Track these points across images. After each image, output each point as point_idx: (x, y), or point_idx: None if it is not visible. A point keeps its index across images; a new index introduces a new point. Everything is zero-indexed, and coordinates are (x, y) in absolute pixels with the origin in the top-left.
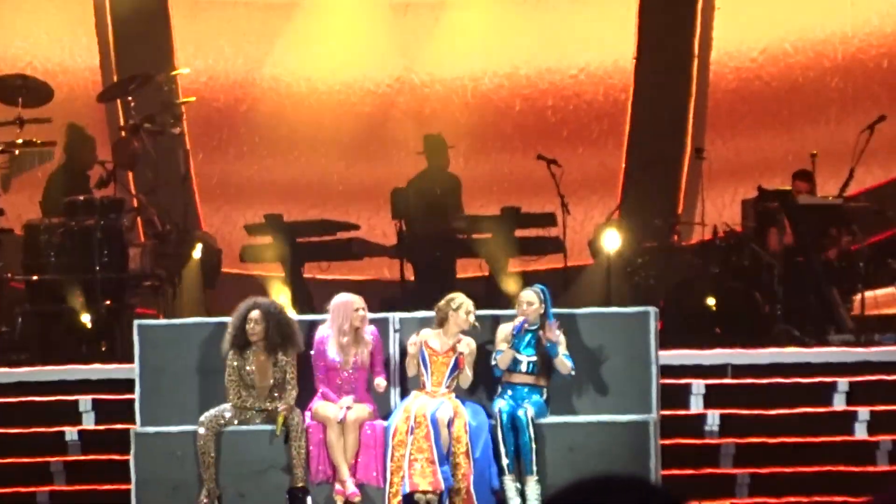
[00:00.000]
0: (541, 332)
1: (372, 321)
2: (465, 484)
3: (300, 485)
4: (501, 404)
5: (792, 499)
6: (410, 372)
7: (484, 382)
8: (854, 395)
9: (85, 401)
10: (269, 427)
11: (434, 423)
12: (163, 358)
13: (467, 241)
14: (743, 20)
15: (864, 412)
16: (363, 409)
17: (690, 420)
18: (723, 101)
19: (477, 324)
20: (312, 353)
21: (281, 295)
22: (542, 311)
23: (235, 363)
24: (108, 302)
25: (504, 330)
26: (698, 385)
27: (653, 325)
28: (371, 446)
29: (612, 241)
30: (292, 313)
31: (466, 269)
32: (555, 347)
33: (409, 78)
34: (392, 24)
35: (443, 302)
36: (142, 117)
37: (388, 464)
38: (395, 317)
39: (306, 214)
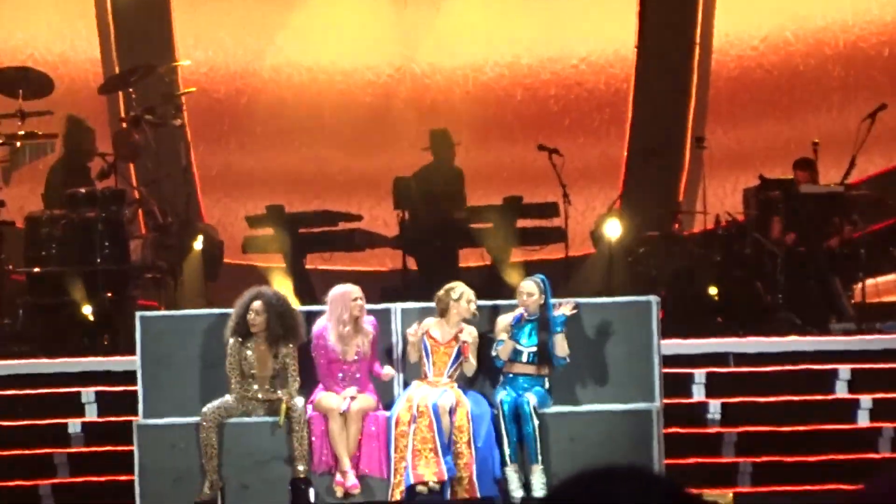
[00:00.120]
0: (557, 303)
1: (374, 312)
2: (467, 473)
3: (303, 476)
4: (503, 394)
5: (794, 487)
6: (412, 359)
7: (485, 372)
8: (856, 383)
9: (87, 393)
10: (271, 419)
11: (436, 411)
12: (165, 349)
13: (469, 231)
14: (744, 8)
15: (865, 400)
16: (366, 400)
17: (692, 409)
18: (724, 89)
19: (476, 312)
20: (312, 346)
21: (283, 286)
22: (541, 301)
23: (236, 351)
24: (109, 294)
25: (504, 320)
26: (700, 374)
27: (654, 315)
28: (374, 437)
29: (614, 230)
30: (296, 304)
31: (468, 258)
32: (562, 323)
33: (409, 68)
34: (393, 14)
35: (442, 292)
36: (143, 109)
37: (392, 454)
38: (397, 307)
39: (308, 205)
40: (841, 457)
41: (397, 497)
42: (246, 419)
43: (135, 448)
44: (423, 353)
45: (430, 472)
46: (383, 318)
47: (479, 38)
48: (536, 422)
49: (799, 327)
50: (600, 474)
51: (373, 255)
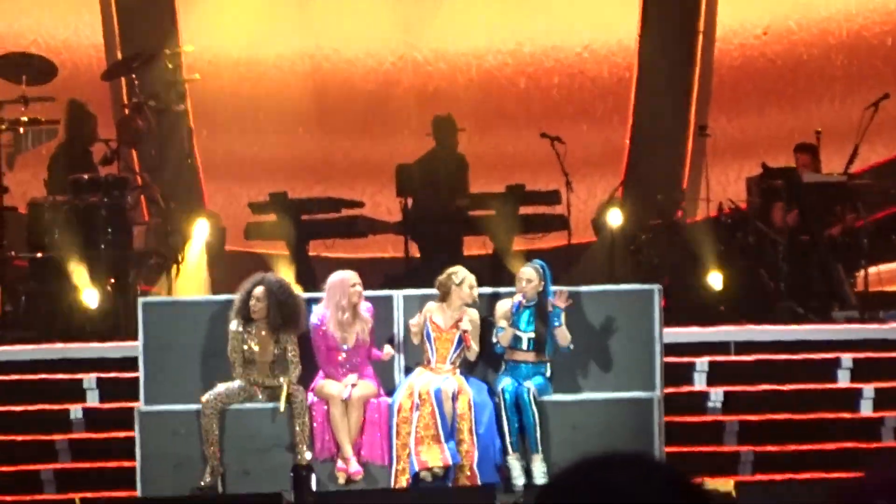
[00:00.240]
0: (550, 300)
1: (375, 299)
2: (468, 461)
3: (305, 462)
4: (505, 383)
5: (796, 476)
6: (416, 341)
7: (486, 359)
8: (858, 372)
9: (89, 379)
10: (272, 405)
11: (438, 398)
12: (167, 336)
13: (471, 219)
14: None
15: (868, 389)
16: (367, 387)
17: (694, 397)
18: (727, 78)
19: (477, 297)
20: (311, 333)
21: (287, 274)
22: (541, 287)
23: (238, 336)
24: (112, 280)
25: (503, 307)
26: (702, 362)
27: (657, 303)
28: (376, 424)
29: (616, 218)
30: (299, 291)
31: (470, 246)
32: (559, 316)
33: (412, 56)
34: (396, 2)
35: (443, 276)
36: (146, 95)
37: (394, 441)
38: (399, 294)
39: (310, 192)
40: (843, 446)
41: (403, 484)
42: (247, 405)
43: (136, 434)
44: (426, 340)
45: (434, 458)
46: (385, 305)
47: (481, 26)
48: (536, 411)
49: (801, 316)
50: (601, 461)
51: (375, 241)
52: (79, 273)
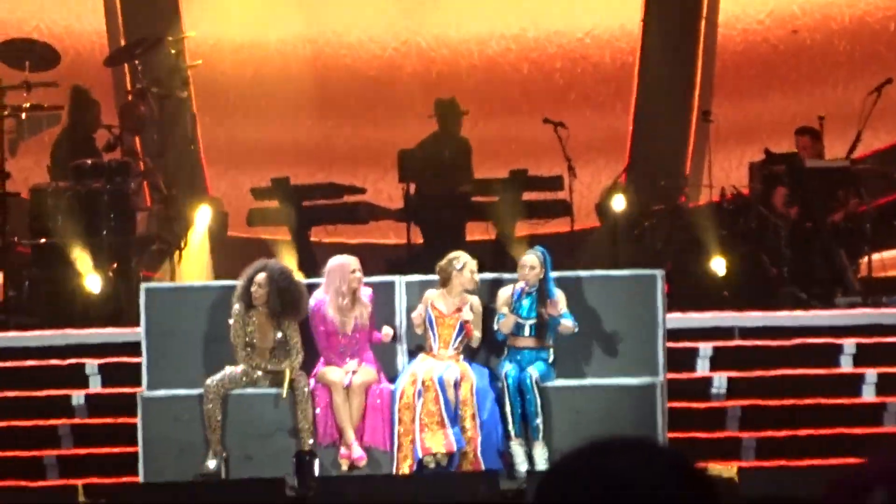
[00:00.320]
0: (542, 309)
1: (378, 285)
2: (471, 447)
3: (307, 448)
4: (508, 368)
5: (799, 461)
6: (419, 331)
7: (489, 345)
8: (861, 357)
9: (91, 364)
10: (274, 390)
11: (441, 384)
12: (169, 321)
13: (474, 204)
14: None
15: (871, 374)
16: (369, 373)
17: (697, 383)
18: (730, 63)
19: (478, 282)
20: (310, 318)
21: (288, 259)
22: (542, 274)
23: (241, 320)
24: (114, 266)
25: (504, 294)
26: (705, 348)
27: (660, 288)
28: (378, 409)
29: (619, 203)
30: (301, 279)
31: (473, 232)
32: (558, 322)
33: (415, 41)
34: None
35: (444, 261)
36: (148, 81)
37: (396, 427)
38: (401, 280)
39: (313, 178)
40: (846, 431)
41: (405, 471)
42: (250, 391)
43: (139, 420)
44: (429, 327)
45: (438, 444)
46: (387, 291)
47: (484, 12)
48: (538, 397)
49: (804, 301)
50: (603, 446)
51: (377, 227)
52: (81, 259)
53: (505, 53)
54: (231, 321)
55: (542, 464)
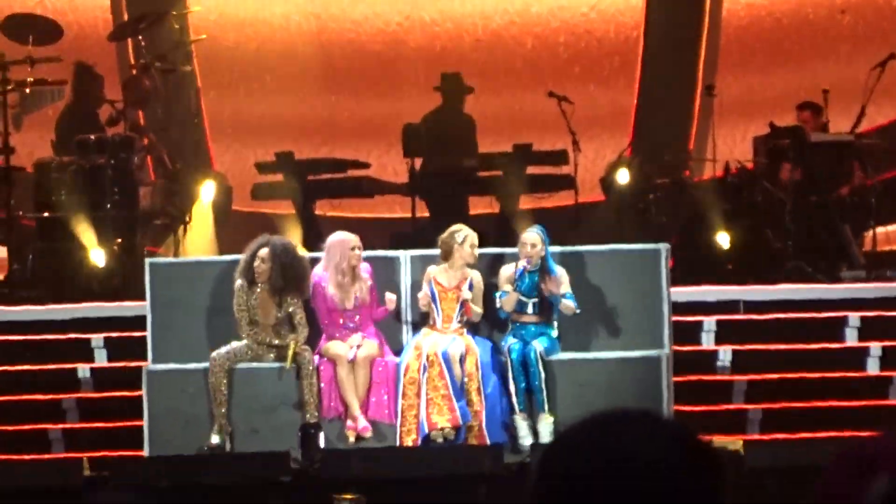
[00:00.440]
0: (543, 285)
1: (382, 259)
2: (476, 421)
3: (312, 421)
4: (512, 342)
5: (804, 435)
6: (426, 309)
7: (492, 319)
8: (866, 331)
9: (97, 338)
10: (280, 364)
11: (446, 359)
12: (174, 296)
13: (479, 178)
14: None
15: (875, 347)
16: (372, 346)
17: (702, 356)
18: (734, 37)
19: (477, 256)
20: (311, 295)
21: (292, 233)
22: (543, 253)
23: (243, 296)
24: (118, 240)
25: (506, 272)
26: (710, 322)
27: (664, 262)
28: (382, 383)
29: (624, 178)
30: (304, 255)
31: (477, 206)
32: (559, 300)
33: (419, 16)
34: None
35: (446, 234)
36: (152, 56)
37: (400, 401)
38: (406, 254)
39: (317, 152)
40: (851, 404)
41: (408, 445)
42: (255, 364)
43: (144, 393)
44: (431, 301)
45: (445, 418)
46: (392, 265)
47: None
48: (543, 370)
49: (809, 275)
50: (606, 419)
51: (382, 201)
52: (86, 233)
53: (509, 28)
54: (234, 297)
55: (546, 437)
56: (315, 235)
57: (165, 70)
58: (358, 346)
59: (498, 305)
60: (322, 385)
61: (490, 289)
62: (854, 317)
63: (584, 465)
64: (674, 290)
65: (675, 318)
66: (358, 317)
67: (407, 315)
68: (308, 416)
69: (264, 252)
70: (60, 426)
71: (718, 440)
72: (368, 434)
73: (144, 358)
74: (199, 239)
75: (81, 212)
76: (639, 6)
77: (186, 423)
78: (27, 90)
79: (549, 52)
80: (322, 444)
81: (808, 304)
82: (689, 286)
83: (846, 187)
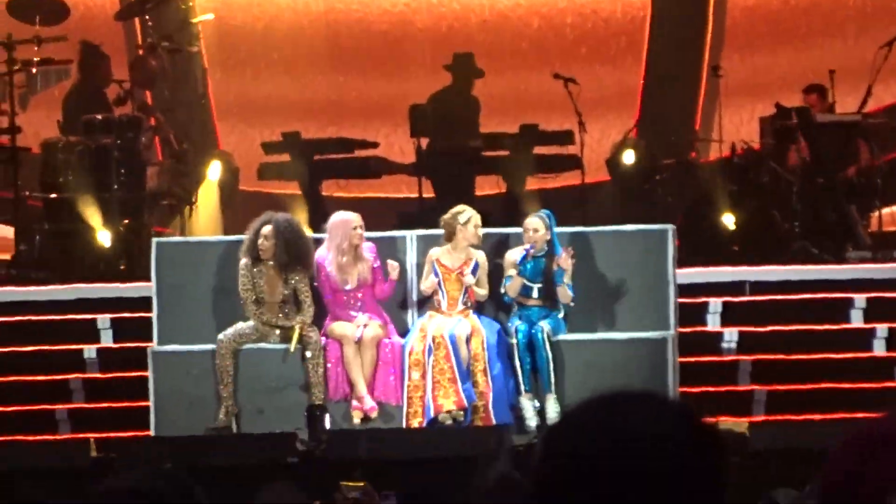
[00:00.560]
0: (555, 264)
1: (389, 239)
2: (482, 402)
3: (318, 402)
4: (518, 323)
5: (809, 416)
6: (434, 295)
7: (498, 300)
8: (872, 312)
9: (103, 319)
10: (286, 345)
11: (453, 341)
12: (180, 276)
13: (485, 159)
14: None
15: (881, 329)
16: (379, 327)
17: (708, 337)
18: (741, 18)
19: (481, 236)
20: (315, 275)
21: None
22: (548, 237)
23: (248, 275)
24: (125, 221)
25: (511, 256)
26: (716, 303)
27: (670, 243)
28: (389, 364)
29: (630, 158)
30: (308, 231)
31: (483, 186)
32: (561, 275)
33: None
34: None
35: (448, 215)
36: (159, 36)
37: (406, 383)
38: (412, 234)
39: (324, 132)
40: (856, 385)
41: (414, 426)
42: (261, 345)
43: (150, 374)
44: (436, 283)
45: (450, 401)
46: (399, 246)
47: None
48: (549, 351)
49: (815, 256)
50: (610, 399)
51: (390, 181)
52: (92, 214)
53: (515, 8)
54: (239, 277)
55: (553, 418)
56: (321, 216)
57: (172, 50)
58: (364, 326)
59: (503, 290)
60: (328, 366)
61: (495, 269)
62: (860, 298)
63: (589, 444)
64: (679, 271)
65: (680, 300)
66: (362, 296)
67: (412, 296)
68: (314, 397)
69: (267, 229)
70: (67, 407)
71: (724, 421)
72: (374, 414)
73: (150, 339)
74: (205, 219)
75: (88, 192)
76: None
77: (192, 403)
78: (34, 70)
79: (555, 32)
80: (328, 425)
81: (814, 284)
82: (694, 267)
83: (853, 167)
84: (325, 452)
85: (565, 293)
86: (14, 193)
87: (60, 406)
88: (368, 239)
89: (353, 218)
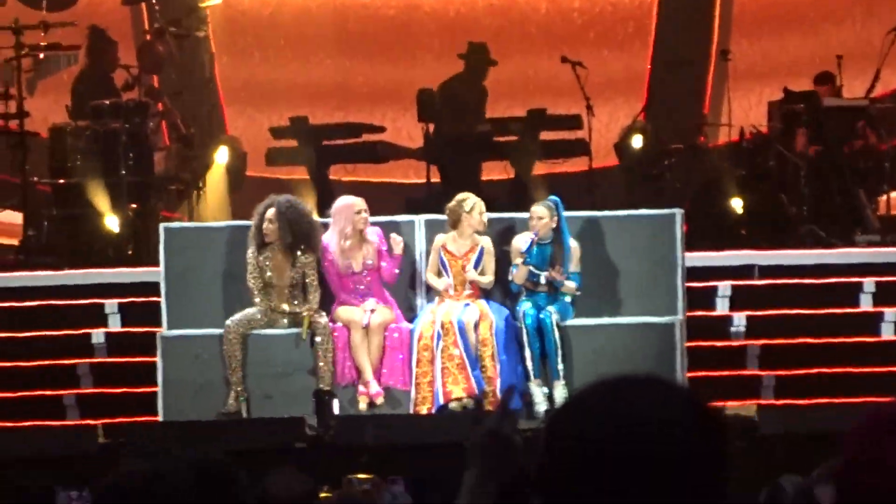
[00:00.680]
0: (548, 273)
1: (397, 223)
2: (491, 387)
3: (327, 388)
4: (526, 307)
5: (818, 400)
6: (441, 287)
7: (506, 286)
8: (880, 296)
9: (111, 304)
10: (295, 330)
11: (461, 327)
12: (188, 261)
13: (493, 143)
14: None
15: (890, 313)
16: (386, 312)
17: (716, 322)
18: (749, 2)
19: (486, 223)
20: (321, 259)
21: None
22: (553, 224)
23: (256, 261)
24: (133, 205)
25: (517, 244)
26: (724, 287)
27: (679, 227)
28: (397, 349)
29: (638, 143)
30: (313, 212)
31: (491, 171)
32: (562, 284)
33: None
34: None
35: (453, 203)
36: (167, 21)
37: (414, 369)
38: (420, 219)
39: (331, 117)
40: (865, 370)
41: (422, 413)
42: (270, 331)
43: (158, 359)
44: (443, 269)
45: (460, 387)
46: (407, 231)
47: None
48: (558, 337)
49: (823, 240)
50: (616, 383)
51: (397, 166)
52: (100, 198)
53: None
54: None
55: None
56: (329, 200)
57: (179, 35)
58: (372, 311)
59: (510, 278)
60: (336, 351)
61: (503, 255)
62: (869, 282)
63: (593, 429)
64: (688, 255)
65: (689, 284)
66: (368, 279)
67: (420, 280)
68: (322, 381)
69: (270, 213)
70: (75, 392)
71: (732, 406)
72: (380, 400)
73: (159, 324)
74: (213, 204)
75: (96, 177)
76: None
77: (200, 388)
78: (41, 55)
79: (563, 16)
80: (336, 410)
81: (823, 268)
82: (703, 251)
83: (860, 142)
84: (334, 438)
85: (570, 286)
86: (22, 178)
87: (68, 391)
88: (375, 223)
89: (357, 202)
